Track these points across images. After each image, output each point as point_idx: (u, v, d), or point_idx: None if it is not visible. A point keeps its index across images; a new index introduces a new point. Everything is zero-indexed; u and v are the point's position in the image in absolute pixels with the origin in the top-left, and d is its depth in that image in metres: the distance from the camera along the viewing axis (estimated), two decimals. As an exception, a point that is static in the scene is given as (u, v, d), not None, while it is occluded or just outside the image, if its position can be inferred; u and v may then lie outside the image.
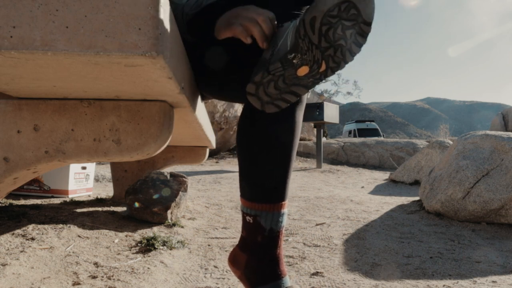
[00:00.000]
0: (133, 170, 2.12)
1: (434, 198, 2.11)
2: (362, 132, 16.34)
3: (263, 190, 0.84)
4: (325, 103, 5.29)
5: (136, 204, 1.63)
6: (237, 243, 0.94)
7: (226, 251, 1.41)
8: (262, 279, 0.84)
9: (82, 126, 0.74)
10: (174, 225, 1.65)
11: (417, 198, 2.58)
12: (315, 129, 5.82)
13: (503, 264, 1.32)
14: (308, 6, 0.67)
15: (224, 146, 7.02)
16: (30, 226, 1.34)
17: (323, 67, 0.69)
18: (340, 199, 2.77)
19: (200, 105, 1.01)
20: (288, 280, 0.85)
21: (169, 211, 1.65)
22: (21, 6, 0.48)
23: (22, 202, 1.89)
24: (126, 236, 1.42)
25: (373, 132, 16.40)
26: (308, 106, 5.19)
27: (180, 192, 1.72)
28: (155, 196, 1.65)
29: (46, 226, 1.37)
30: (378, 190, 3.66)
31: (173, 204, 1.67)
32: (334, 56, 0.67)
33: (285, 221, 0.88)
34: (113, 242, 1.34)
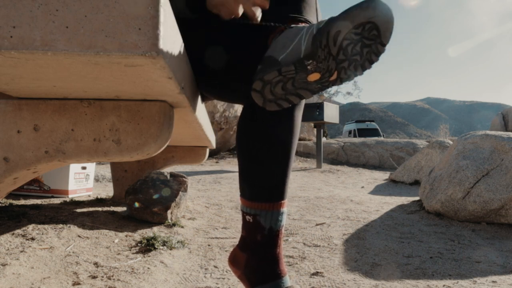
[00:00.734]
0: (133, 170, 2.12)
1: (434, 198, 2.11)
2: (362, 132, 16.34)
3: (263, 189, 0.84)
4: (325, 103, 5.29)
5: (136, 204, 1.63)
6: (237, 243, 0.94)
7: (226, 251, 1.41)
8: (262, 278, 0.84)
9: (82, 126, 0.74)
10: (174, 225, 1.65)
11: (417, 198, 2.59)
12: (315, 129, 5.82)
13: (503, 264, 1.32)
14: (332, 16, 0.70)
15: (224, 146, 7.02)
16: (30, 226, 1.34)
17: (334, 76, 0.72)
18: (340, 199, 2.77)
19: (200, 105, 1.01)
20: (288, 279, 0.85)
21: (169, 211, 1.65)
22: (21, 6, 0.48)
23: (22, 202, 1.89)
24: (126, 236, 1.42)
25: (373, 132, 16.40)
26: (308, 106, 5.19)
27: (180, 192, 1.72)
28: (155, 196, 1.65)
29: (46, 226, 1.37)
30: (378, 190, 3.66)
31: (173, 204, 1.67)
32: (347, 69, 0.71)
33: (285, 220, 0.88)
34: (113, 242, 1.34)
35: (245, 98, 0.86)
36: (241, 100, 0.90)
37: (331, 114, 5.39)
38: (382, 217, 2.09)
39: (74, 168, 2.17)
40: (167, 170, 1.98)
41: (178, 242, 1.40)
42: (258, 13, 0.83)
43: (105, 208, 1.86)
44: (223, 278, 1.13)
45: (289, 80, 0.72)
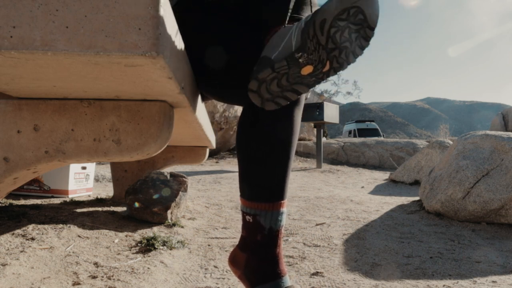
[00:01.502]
0: (133, 170, 2.12)
1: (434, 198, 2.11)
2: (362, 132, 16.34)
3: (263, 189, 0.84)
4: (325, 103, 5.29)
5: (136, 204, 1.63)
6: (237, 243, 0.94)
7: (226, 251, 1.41)
8: (262, 278, 0.84)
9: (82, 126, 0.74)
10: (174, 225, 1.65)
11: (417, 198, 2.59)
12: (315, 129, 5.82)
13: (503, 264, 1.32)
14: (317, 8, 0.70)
15: (224, 146, 7.02)
16: (30, 226, 1.34)
17: (327, 67, 0.72)
18: (340, 199, 2.77)
19: (200, 105, 1.01)
20: (288, 279, 0.85)
21: (169, 211, 1.65)
22: (21, 6, 0.48)
23: (22, 202, 1.89)
24: (126, 236, 1.42)
25: (373, 132, 16.39)
26: (308, 106, 5.19)
27: (180, 192, 1.72)
28: (155, 196, 1.65)
29: (46, 226, 1.37)
30: (378, 190, 3.66)
31: (173, 204, 1.67)
32: (339, 57, 0.71)
33: (285, 220, 0.88)
34: (113, 242, 1.34)
35: (245, 98, 0.86)
36: (241, 100, 0.91)
37: (331, 114, 5.39)
38: (382, 217, 2.09)
39: (74, 168, 2.17)
40: (167, 170, 1.98)
41: (178, 242, 1.40)
42: None
43: (105, 208, 1.86)
44: (223, 278, 1.13)
45: (283, 76, 0.73)
